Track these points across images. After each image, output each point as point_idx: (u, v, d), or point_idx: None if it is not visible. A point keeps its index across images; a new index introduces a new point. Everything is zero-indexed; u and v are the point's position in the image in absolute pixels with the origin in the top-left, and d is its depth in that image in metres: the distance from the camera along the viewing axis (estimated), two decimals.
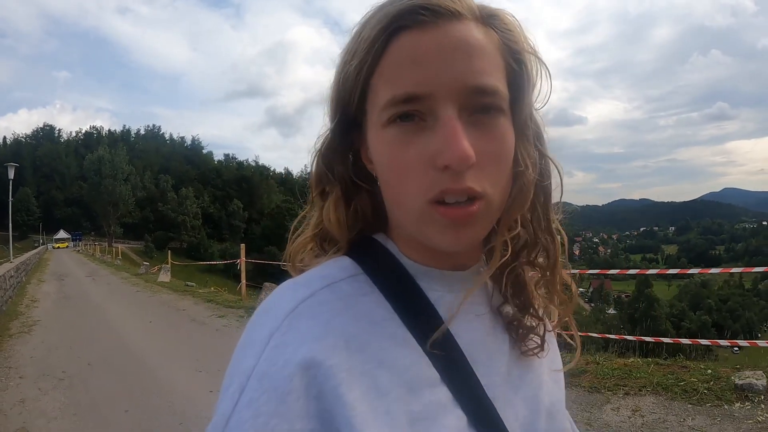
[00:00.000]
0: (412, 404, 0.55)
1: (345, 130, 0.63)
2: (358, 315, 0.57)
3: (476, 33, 0.56)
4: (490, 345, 0.66)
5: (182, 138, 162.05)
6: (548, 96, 0.64)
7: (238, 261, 12.97)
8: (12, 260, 22.73)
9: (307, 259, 0.71)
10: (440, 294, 0.63)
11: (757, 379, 4.52)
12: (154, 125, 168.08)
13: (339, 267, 0.63)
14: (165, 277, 19.43)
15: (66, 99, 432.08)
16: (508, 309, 0.71)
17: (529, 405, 0.68)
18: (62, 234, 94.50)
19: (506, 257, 0.67)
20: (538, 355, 0.72)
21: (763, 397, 4.42)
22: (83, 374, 6.44)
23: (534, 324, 0.72)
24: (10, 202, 28.78)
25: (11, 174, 26.09)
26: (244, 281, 12.67)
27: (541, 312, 0.72)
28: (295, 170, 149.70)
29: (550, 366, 0.75)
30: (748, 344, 6.66)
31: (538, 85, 0.62)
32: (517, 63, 0.60)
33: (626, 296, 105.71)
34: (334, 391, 0.51)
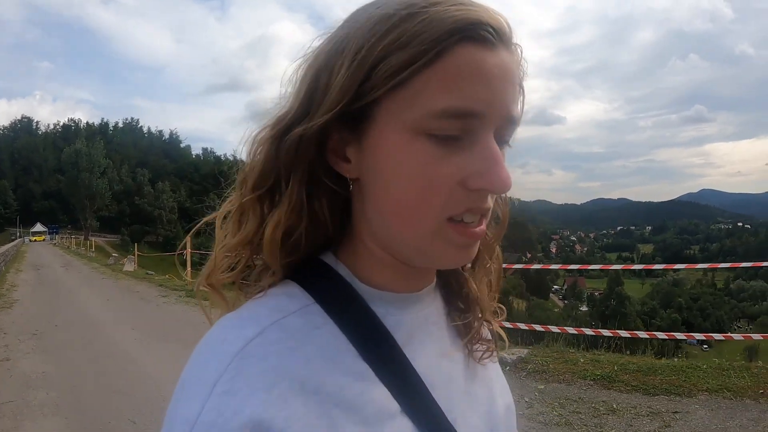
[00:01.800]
0: None
1: (339, 119, 0.55)
2: (311, 353, 0.54)
3: (513, 63, 0.56)
4: (447, 366, 0.66)
5: (160, 132, 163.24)
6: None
7: (185, 252, 15.62)
8: None
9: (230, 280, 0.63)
10: (397, 319, 0.61)
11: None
12: (132, 118, 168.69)
13: (287, 296, 0.59)
14: (130, 267, 22.29)
15: (46, 89, 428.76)
16: (461, 322, 0.71)
17: (487, 420, 0.68)
18: (39, 227, 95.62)
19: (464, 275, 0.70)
20: (491, 359, 0.74)
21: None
22: (51, 331, 9.09)
23: (485, 333, 0.73)
24: None
25: None
26: (189, 268, 15.28)
27: (488, 316, 0.73)
28: None
29: (497, 371, 0.77)
30: (723, 337, 7.69)
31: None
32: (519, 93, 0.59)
33: (599, 294, 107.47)
34: None
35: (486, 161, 0.53)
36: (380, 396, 0.56)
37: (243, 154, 0.62)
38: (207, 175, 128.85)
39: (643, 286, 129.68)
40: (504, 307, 0.75)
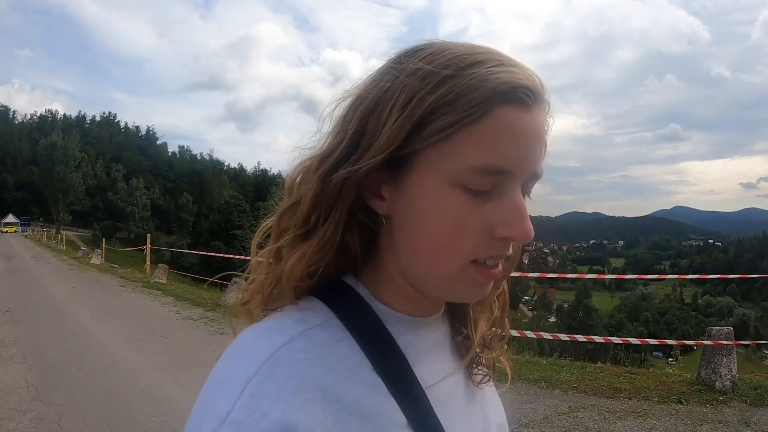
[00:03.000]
0: None
1: (381, 163, 0.59)
2: (333, 363, 0.58)
3: (544, 122, 0.60)
4: (450, 386, 0.70)
5: (137, 127, 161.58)
6: None
7: (144, 247, 17.36)
8: None
9: (270, 302, 0.66)
10: (409, 339, 0.66)
11: None
12: (110, 112, 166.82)
13: (312, 311, 0.63)
14: (96, 260, 24.09)
15: (25, 78, 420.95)
16: (470, 348, 0.75)
17: None
18: (11, 218, 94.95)
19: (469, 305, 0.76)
20: (488, 384, 0.79)
21: None
22: (21, 309, 10.73)
23: (485, 358, 0.78)
24: None
25: None
26: (148, 263, 17.04)
27: (491, 344, 0.79)
28: (249, 166, 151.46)
29: (493, 392, 0.82)
30: (695, 344, 8.27)
31: None
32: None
33: (568, 305, 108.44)
34: None
35: (513, 214, 0.58)
36: (390, 408, 0.59)
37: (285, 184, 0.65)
38: (182, 173, 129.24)
39: (612, 299, 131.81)
40: (508, 337, 0.81)
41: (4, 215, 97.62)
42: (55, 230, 75.45)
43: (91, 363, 6.78)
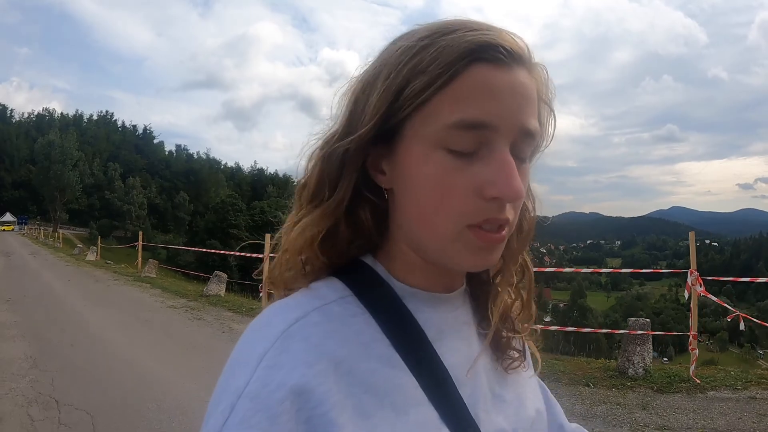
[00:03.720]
0: (397, 425, 0.56)
1: (375, 136, 0.62)
2: (347, 337, 0.58)
3: (530, 81, 0.61)
4: (477, 366, 0.68)
5: (134, 126, 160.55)
6: (551, 138, 0.69)
7: (137, 244, 18.43)
8: None
9: (290, 281, 0.69)
10: (427, 315, 0.65)
11: None
12: (107, 111, 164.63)
13: (329, 288, 0.64)
14: (92, 256, 25.31)
15: (23, 76, 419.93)
16: (491, 327, 0.72)
17: (514, 422, 0.70)
18: (8, 217, 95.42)
19: (488, 280, 0.75)
20: (519, 369, 0.76)
21: None
22: (21, 300, 11.79)
23: (513, 340, 0.76)
24: None
25: None
26: (140, 258, 18.18)
27: (518, 327, 0.77)
28: (246, 165, 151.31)
29: (528, 375, 0.80)
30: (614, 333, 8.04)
31: (549, 131, 0.68)
32: (541, 113, 0.65)
33: (564, 305, 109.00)
34: (324, 416, 0.53)
35: (498, 171, 0.57)
36: (408, 383, 0.59)
37: (299, 171, 0.68)
38: (178, 172, 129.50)
39: (608, 299, 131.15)
40: (535, 321, 0.78)
41: (2, 214, 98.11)
42: (52, 229, 75.90)
43: (82, 341, 7.77)
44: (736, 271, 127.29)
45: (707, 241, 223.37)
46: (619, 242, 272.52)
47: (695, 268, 6.18)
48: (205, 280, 14.22)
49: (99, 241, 28.82)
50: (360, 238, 0.67)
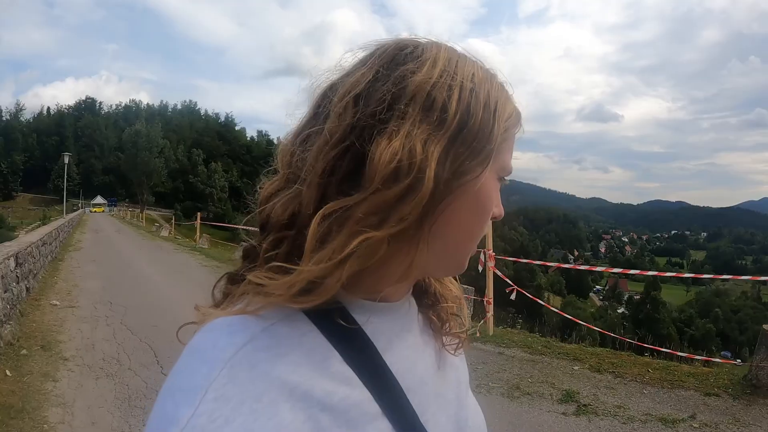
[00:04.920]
0: None
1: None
2: (299, 359, 0.56)
3: None
4: (421, 370, 0.69)
5: (216, 114, 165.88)
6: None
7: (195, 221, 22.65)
8: (65, 216, 34.86)
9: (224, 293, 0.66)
10: (376, 326, 0.64)
11: None
12: (190, 101, 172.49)
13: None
14: (165, 232, 29.61)
15: (112, 69, 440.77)
16: (433, 324, 0.77)
17: (454, 421, 0.74)
18: (99, 199, 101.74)
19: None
20: (456, 353, 0.80)
21: None
22: (102, 260, 16.40)
23: (454, 326, 0.79)
24: (65, 187, 39.26)
25: (66, 160, 37.29)
26: (198, 233, 22.41)
27: (459, 325, 0.80)
28: None
29: (463, 365, 0.84)
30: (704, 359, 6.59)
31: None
32: None
33: (638, 297, 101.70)
34: None
35: (498, 201, 0.67)
36: (363, 399, 0.58)
37: None
38: (258, 157, 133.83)
39: (687, 293, 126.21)
40: (461, 290, 0.83)
41: (93, 197, 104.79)
42: (139, 210, 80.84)
43: (139, 281, 11.93)
44: None
45: None
46: (704, 234, 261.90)
47: None
48: None
49: (173, 220, 33.33)
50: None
